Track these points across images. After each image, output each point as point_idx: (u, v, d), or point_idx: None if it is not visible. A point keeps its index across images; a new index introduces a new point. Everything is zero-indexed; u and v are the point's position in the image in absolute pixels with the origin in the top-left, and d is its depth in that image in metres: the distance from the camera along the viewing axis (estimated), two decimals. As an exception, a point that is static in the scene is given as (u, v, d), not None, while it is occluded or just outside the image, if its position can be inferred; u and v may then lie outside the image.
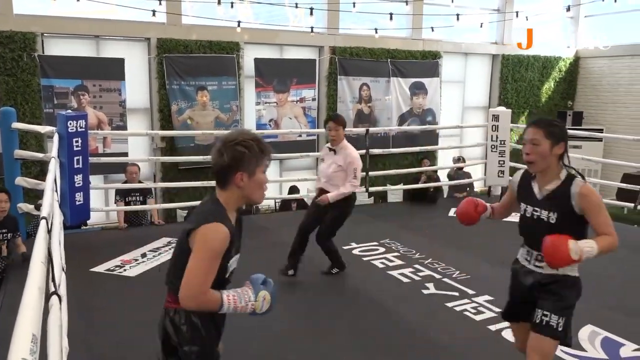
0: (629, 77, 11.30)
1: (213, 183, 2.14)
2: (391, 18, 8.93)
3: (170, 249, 5.23)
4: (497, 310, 3.82)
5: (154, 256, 5.05)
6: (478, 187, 9.67)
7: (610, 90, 11.65)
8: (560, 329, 2.30)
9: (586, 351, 3.35)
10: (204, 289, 1.72)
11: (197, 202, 2.31)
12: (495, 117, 7.68)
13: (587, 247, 2.14)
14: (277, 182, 8.67)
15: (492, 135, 7.69)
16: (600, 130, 10.96)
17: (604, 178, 11.03)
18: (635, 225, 7.70)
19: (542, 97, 11.92)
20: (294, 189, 8.13)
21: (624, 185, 7.66)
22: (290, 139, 8.98)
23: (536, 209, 2.35)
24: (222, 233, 1.72)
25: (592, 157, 8.73)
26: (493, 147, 7.72)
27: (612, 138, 10.82)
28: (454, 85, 11.05)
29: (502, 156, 7.66)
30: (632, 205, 6.68)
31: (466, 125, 10.44)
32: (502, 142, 7.66)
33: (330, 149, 4.44)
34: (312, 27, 8.88)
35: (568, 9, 11.13)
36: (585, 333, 3.57)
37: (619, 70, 11.48)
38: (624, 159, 9.79)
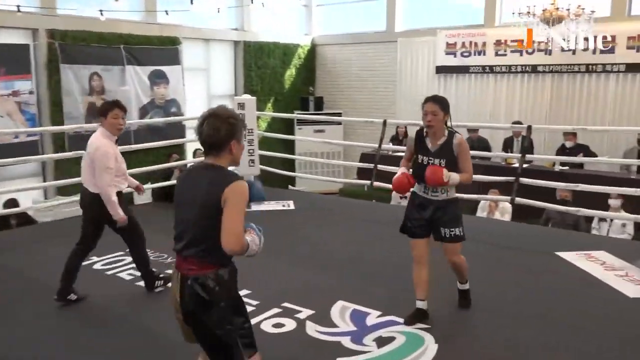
0: (358, 64, 12.36)
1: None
2: (118, -2, 8.06)
3: None
4: (256, 303, 3.82)
5: None
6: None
7: (344, 76, 12.61)
8: (462, 234, 3.59)
9: (338, 327, 3.57)
10: (242, 235, 2.12)
11: None
12: (241, 106, 7.55)
13: (454, 175, 3.41)
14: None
15: (239, 125, 7.56)
16: (339, 114, 11.81)
17: (347, 159, 11.98)
18: (373, 200, 8.43)
19: (285, 83, 12.32)
20: (12, 202, 6.79)
21: (362, 164, 8.28)
22: (4, 141, 7.51)
23: (430, 158, 3.50)
24: (246, 186, 2.16)
25: (334, 140, 9.27)
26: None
27: (349, 121, 11.76)
28: (197, 73, 10.67)
29: (251, 145, 7.58)
30: (369, 182, 7.20)
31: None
32: (250, 131, 7.58)
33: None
34: (18, 6, 7.48)
35: (301, -2, 11.66)
36: (336, 310, 3.81)
37: (349, 57, 12.48)
38: (361, 140, 10.70)
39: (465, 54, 10.62)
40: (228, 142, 2.24)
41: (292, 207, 6.97)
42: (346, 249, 5.20)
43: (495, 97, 10.49)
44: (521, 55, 10.00)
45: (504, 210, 7.19)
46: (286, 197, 7.44)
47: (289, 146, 11.84)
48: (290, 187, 10.51)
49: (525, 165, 7.09)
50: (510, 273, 4.58)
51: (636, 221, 6.28)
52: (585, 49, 9.23)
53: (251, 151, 7.62)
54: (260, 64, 11.60)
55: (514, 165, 7.87)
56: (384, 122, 7.18)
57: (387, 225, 5.52)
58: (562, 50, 9.31)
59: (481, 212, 7.39)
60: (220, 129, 2.22)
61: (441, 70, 10.96)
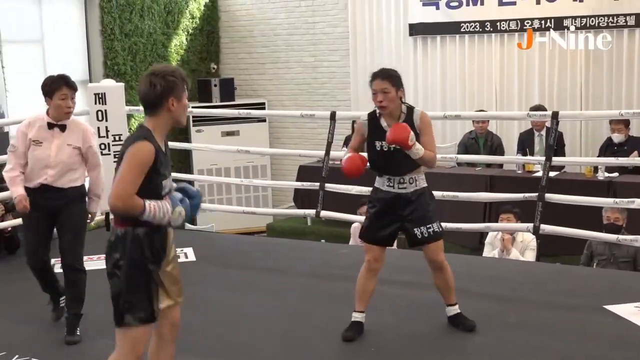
0: (288, 26, 12.49)
1: None
2: None
3: None
4: None
5: None
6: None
7: (266, 43, 12.69)
8: (440, 229, 4.64)
9: None
10: (130, 193, 3.24)
11: None
12: (100, 98, 7.52)
13: (418, 145, 4.37)
14: None
15: (99, 128, 7.53)
16: (262, 106, 11.87)
17: (277, 176, 12.03)
18: (322, 240, 8.52)
19: (171, 59, 12.29)
20: None
21: (300, 184, 8.36)
22: None
23: (383, 142, 4.50)
24: (146, 147, 3.28)
25: (255, 148, 9.32)
26: (103, 147, 7.54)
27: (277, 116, 11.79)
28: (27, 46, 10.53)
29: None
30: (313, 212, 7.27)
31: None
32: (118, 138, 7.56)
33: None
34: None
35: None
36: None
37: (273, 14, 12.58)
38: (297, 145, 10.79)
39: (454, 3, 10.93)
40: (164, 99, 3.37)
41: (190, 257, 6.94)
42: (274, 332, 5.21)
43: (502, 71, 10.84)
44: (538, 3, 10.39)
45: (524, 245, 7.39)
46: (182, 243, 7.39)
47: (183, 159, 11.77)
48: (187, 225, 10.45)
49: (552, 174, 7.36)
50: (539, 341, 4.74)
51: None
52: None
53: (120, 171, 7.58)
54: (128, 29, 11.54)
55: (535, 175, 8.15)
56: (332, 116, 7.27)
57: (345, 281, 5.61)
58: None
59: (490, 250, 7.58)
60: (155, 85, 3.35)
61: (417, 30, 11.23)
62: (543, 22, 10.42)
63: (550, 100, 10.18)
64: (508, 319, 5.10)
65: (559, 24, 10.28)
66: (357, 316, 4.77)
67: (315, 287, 6.08)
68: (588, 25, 10.14)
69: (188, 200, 3.51)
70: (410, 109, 4.57)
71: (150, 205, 3.29)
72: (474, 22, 10.81)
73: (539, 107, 9.01)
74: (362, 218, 7.38)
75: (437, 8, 11.03)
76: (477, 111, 9.93)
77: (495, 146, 9.59)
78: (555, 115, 6.54)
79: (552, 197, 6.27)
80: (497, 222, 7.35)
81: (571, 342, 4.69)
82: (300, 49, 12.41)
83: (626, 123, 8.82)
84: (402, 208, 4.58)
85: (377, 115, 4.61)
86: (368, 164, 4.73)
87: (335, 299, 5.61)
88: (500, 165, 9.59)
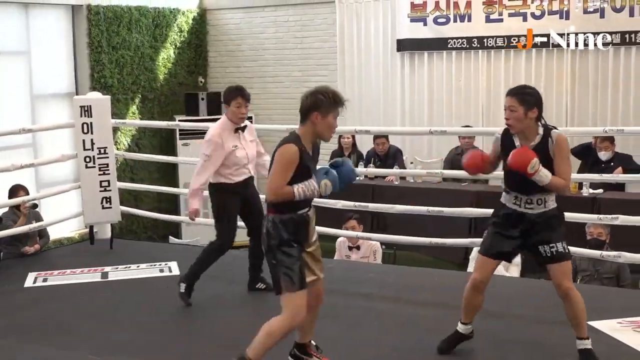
0: (276, 40, 12.55)
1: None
2: None
3: None
4: None
5: None
6: (59, 233, 9.49)
7: (254, 57, 12.74)
8: (567, 251, 4.42)
9: None
10: (279, 186, 4.01)
11: None
12: (86, 111, 7.48)
13: (545, 171, 4.22)
14: None
15: (84, 141, 7.50)
16: (249, 119, 11.84)
17: (260, 190, 11.99)
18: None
19: (159, 72, 12.30)
20: None
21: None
22: None
23: None
24: (292, 149, 4.00)
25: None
26: (88, 159, 7.52)
27: (265, 130, 11.79)
28: (13, 58, 10.50)
29: (105, 174, 7.51)
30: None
31: (40, 128, 9.96)
32: (103, 151, 7.53)
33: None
34: None
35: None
36: None
37: (262, 29, 12.63)
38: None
39: (441, 19, 11.01)
40: (310, 112, 4.04)
41: (174, 271, 6.92)
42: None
43: (489, 87, 10.90)
44: (525, 20, 10.47)
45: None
46: (166, 256, 7.38)
47: (169, 173, 11.74)
48: (172, 238, 10.42)
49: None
50: (525, 356, 4.75)
51: None
52: (620, 9, 9.80)
53: (105, 184, 7.55)
54: (116, 41, 11.53)
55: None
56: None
57: (330, 295, 5.56)
58: (586, 11, 9.84)
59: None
60: (307, 98, 4.05)
61: (405, 46, 11.29)
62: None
63: (537, 116, 10.21)
64: (489, 337, 5.08)
65: (545, 40, 10.36)
66: (461, 327, 4.71)
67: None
68: (575, 42, 10.20)
69: (334, 169, 4.17)
70: (548, 130, 4.35)
71: (299, 188, 4.00)
72: (461, 38, 10.89)
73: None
74: (348, 232, 7.46)
75: (425, 24, 11.10)
76: (463, 127, 9.95)
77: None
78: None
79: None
80: (482, 237, 7.34)
81: (555, 358, 4.69)
82: (288, 64, 12.45)
83: (611, 140, 8.86)
84: (526, 227, 4.43)
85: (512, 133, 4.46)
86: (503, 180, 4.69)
87: (320, 314, 5.59)
88: (486, 181, 9.62)
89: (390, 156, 9.98)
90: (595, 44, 9.92)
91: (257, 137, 6.31)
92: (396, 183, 9.52)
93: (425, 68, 11.24)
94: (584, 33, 10.00)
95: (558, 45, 10.25)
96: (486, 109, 10.90)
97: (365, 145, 10.51)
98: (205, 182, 5.86)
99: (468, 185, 9.27)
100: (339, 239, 7.84)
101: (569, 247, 4.47)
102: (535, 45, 10.39)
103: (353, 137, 10.22)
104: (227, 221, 5.93)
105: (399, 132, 10.63)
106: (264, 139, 12.14)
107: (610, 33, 9.96)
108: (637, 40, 9.93)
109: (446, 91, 11.10)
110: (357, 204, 7.08)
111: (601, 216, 6.47)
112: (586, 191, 8.40)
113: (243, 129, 5.96)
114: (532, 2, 10.31)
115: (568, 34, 10.07)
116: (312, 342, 4.48)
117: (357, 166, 8.83)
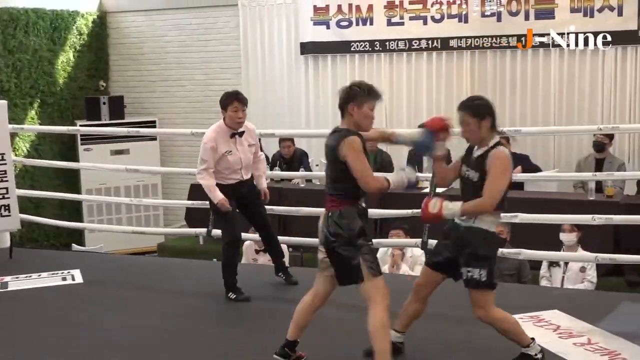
0: (178, 41, 12.44)
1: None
2: None
3: None
4: None
5: None
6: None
7: (157, 61, 12.60)
8: (486, 278, 4.22)
9: None
10: (372, 175, 4.25)
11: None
12: (-18, 116, 7.29)
13: (451, 205, 4.23)
14: None
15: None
16: (152, 124, 11.74)
17: (168, 195, 11.90)
18: (214, 259, 8.45)
19: (58, 76, 12.05)
20: None
21: (192, 203, 8.30)
22: None
23: (468, 169, 4.35)
24: (356, 140, 4.19)
25: (145, 167, 9.21)
26: (-15, 167, 7.32)
27: (169, 134, 11.71)
28: None
29: (2, 181, 7.32)
30: (204, 230, 7.25)
31: None
32: (0, 157, 7.34)
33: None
34: None
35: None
36: None
37: (164, 32, 12.51)
38: (183, 162, 10.74)
39: (344, 23, 11.12)
40: (347, 104, 4.23)
41: (78, 279, 6.78)
42: (163, 353, 5.11)
43: (392, 89, 11.07)
44: (425, 24, 10.69)
45: (414, 260, 7.51)
46: (69, 264, 7.22)
47: (71, 179, 11.51)
48: (75, 246, 10.23)
49: (440, 190, 7.53)
50: (424, 356, 4.84)
51: (601, 262, 6.79)
52: (516, 13, 10.12)
53: (3, 191, 7.36)
54: (12, 45, 11.27)
55: (424, 191, 8.31)
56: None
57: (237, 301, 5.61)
58: (484, 15, 10.12)
59: (381, 266, 7.68)
60: (342, 92, 4.28)
61: (308, 49, 11.37)
62: (430, 42, 10.71)
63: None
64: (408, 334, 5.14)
65: (445, 44, 10.61)
66: (394, 336, 4.46)
67: (207, 307, 6.00)
68: (473, 45, 10.48)
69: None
70: (497, 144, 4.26)
71: (388, 180, 4.29)
72: (364, 41, 11.02)
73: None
74: (255, 236, 7.41)
75: (328, 27, 11.19)
76: (367, 129, 10.04)
77: (385, 163, 9.73)
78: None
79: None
80: (387, 238, 7.44)
81: (458, 356, 4.79)
82: (192, 67, 12.37)
83: (507, 140, 9.07)
84: (454, 239, 4.37)
85: None
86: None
87: (227, 320, 5.59)
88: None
89: (296, 159, 10.03)
90: (492, 46, 10.27)
91: (258, 141, 6.36)
92: (302, 186, 9.54)
93: (329, 71, 11.34)
94: (481, 37, 10.34)
95: (459, 48, 10.53)
96: (389, 111, 11.05)
97: (271, 148, 10.51)
98: (213, 180, 5.89)
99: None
100: (246, 243, 7.82)
101: (490, 274, 4.27)
102: (435, 48, 10.65)
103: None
104: (225, 220, 5.96)
105: (304, 135, 10.68)
106: (166, 143, 12.22)
107: (507, 36, 10.28)
108: (532, 44, 10.23)
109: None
110: (263, 207, 7.08)
111: (502, 214, 6.63)
112: (487, 190, 8.57)
113: (240, 134, 5.95)
114: (432, 6, 10.54)
115: (467, 38, 10.39)
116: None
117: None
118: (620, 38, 9.71)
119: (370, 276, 4.19)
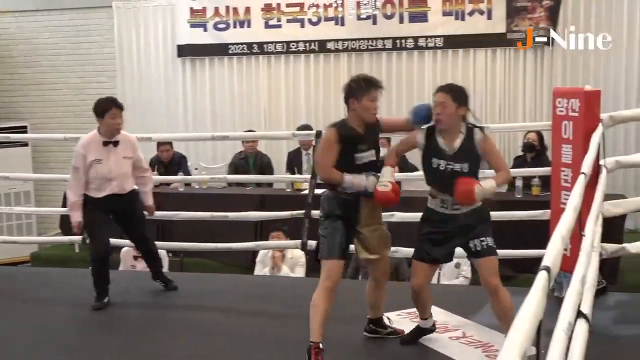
0: (51, 43, 12.12)
1: None
2: None
3: None
4: None
5: None
6: None
7: (29, 64, 12.24)
8: (495, 246, 4.49)
9: None
10: (327, 166, 4.54)
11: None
12: None
13: (487, 187, 4.31)
14: None
15: None
16: (23, 129, 11.35)
17: (41, 202, 11.55)
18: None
19: None
20: None
21: (64, 210, 8.01)
22: None
23: (450, 163, 4.41)
24: (330, 132, 4.57)
25: (16, 174, 8.95)
26: None
27: (42, 140, 11.37)
28: None
29: None
30: (80, 238, 7.04)
31: None
32: None
33: None
34: None
35: None
36: None
37: (35, 34, 12.17)
38: (58, 168, 10.47)
39: (221, 25, 11.09)
40: (348, 98, 4.52)
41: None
42: None
43: (270, 91, 11.14)
44: (302, 26, 10.78)
45: (294, 261, 7.57)
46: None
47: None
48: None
49: (319, 191, 7.58)
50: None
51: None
52: (390, 16, 10.33)
53: None
54: None
55: (303, 192, 8.35)
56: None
57: (119, 308, 5.49)
58: (359, 18, 10.30)
59: (261, 269, 7.68)
60: (343, 89, 4.58)
61: (186, 51, 11.29)
62: (307, 44, 10.82)
63: (317, 119, 10.52)
64: (271, 337, 5.15)
65: (322, 46, 10.73)
66: (421, 322, 4.87)
67: (85, 315, 5.84)
68: (349, 48, 10.64)
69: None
70: (471, 130, 4.45)
71: (346, 177, 4.43)
72: (242, 44, 11.03)
73: (306, 127, 9.22)
74: (125, 242, 7.26)
75: (205, 30, 11.13)
76: (246, 131, 10.02)
77: (264, 165, 9.74)
78: (319, 134, 6.69)
79: (318, 213, 6.43)
80: (267, 240, 7.45)
81: (341, 353, 4.84)
82: (66, 70, 12.10)
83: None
84: (454, 228, 4.47)
85: (434, 131, 4.50)
86: (425, 180, 4.70)
87: (109, 327, 5.47)
88: (270, 184, 9.76)
89: (174, 163, 9.89)
90: (368, 48, 10.47)
91: (139, 154, 6.05)
92: (181, 190, 9.44)
93: (206, 73, 11.30)
94: (358, 39, 10.52)
95: (336, 50, 10.67)
96: (268, 113, 11.12)
97: (148, 152, 10.35)
98: (80, 193, 5.71)
99: (253, 190, 9.37)
100: (124, 249, 7.69)
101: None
102: (312, 51, 10.75)
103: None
104: (92, 235, 5.82)
105: (182, 139, 10.53)
106: (40, 149, 11.86)
107: (383, 39, 10.50)
108: (407, 46, 10.51)
109: (228, 96, 11.21)
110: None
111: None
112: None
113: (115, 143, 5.75)
114: (309, 9, 10.64)
115: (344, 40, 10.55)
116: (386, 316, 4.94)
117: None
118: (490, 40, 10.11)
119: (324, 255, 4.52)
